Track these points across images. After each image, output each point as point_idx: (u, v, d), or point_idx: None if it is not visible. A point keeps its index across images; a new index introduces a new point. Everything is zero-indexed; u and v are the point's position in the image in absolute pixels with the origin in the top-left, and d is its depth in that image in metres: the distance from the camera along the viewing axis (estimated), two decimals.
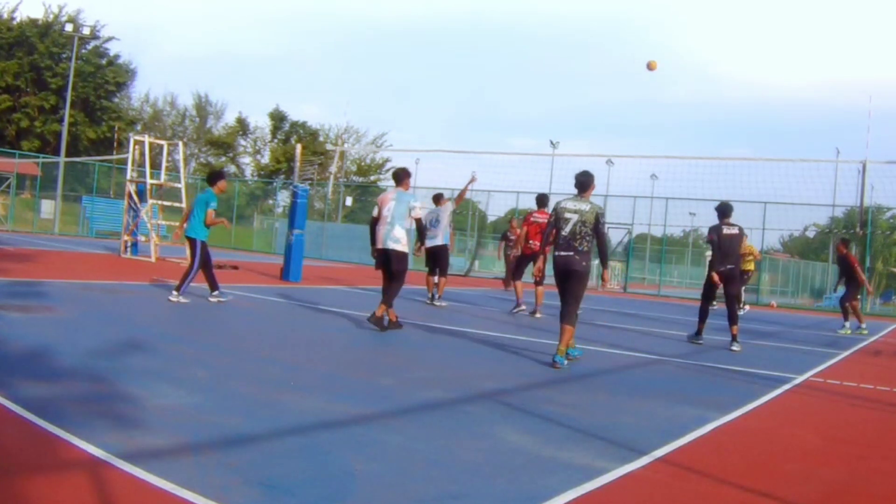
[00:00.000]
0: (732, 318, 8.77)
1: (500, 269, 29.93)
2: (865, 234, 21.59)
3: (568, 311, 6.35)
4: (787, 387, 6.38)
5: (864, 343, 11.24)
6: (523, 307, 11.36)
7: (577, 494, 3.09)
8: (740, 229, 9.13)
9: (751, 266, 15.46)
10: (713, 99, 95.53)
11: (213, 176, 9.63)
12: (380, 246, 7.82)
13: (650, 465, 3.64)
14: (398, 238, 7.76)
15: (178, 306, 8.50)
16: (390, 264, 7.84)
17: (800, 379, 6.85)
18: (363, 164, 47.39)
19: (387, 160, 46.81)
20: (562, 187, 24.15)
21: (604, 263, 6.65)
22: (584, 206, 6.47)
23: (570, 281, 6.41)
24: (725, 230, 8.95)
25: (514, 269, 11.96)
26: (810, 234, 31.26)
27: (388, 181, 46.73)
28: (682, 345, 9.10)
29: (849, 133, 75.18)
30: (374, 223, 7.96)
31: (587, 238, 6.41)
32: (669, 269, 30.33)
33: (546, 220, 10.68)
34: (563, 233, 6.42)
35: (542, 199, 11.38)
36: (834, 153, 29.37)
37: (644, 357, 7.70)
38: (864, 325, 12.89)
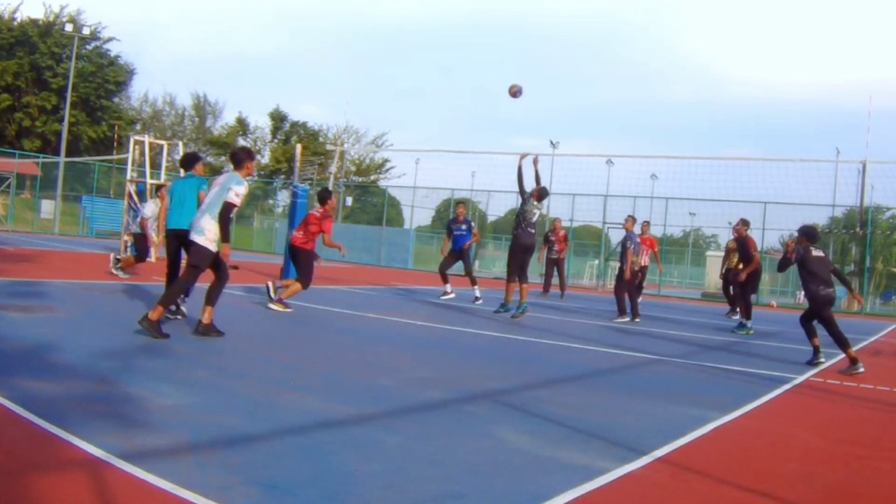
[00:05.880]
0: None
1: (500, 268, 29.96)
2: (865, 234, 21.59)
3: None
4: (787, 387, 6.38)
5: (864, 343, 11.23)
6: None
7: (577, 494, 3.09)
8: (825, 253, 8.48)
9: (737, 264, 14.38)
10: (713, 99, 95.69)
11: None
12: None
13: (650, 465, 3.64)
14: (203, 229, 6.35)
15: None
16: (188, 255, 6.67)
17: (800, 379, 6.85)
18: (363, 164, 47.34)
19: (386, 160, 46.78)
20: (562, 187, 24.15)
21: None
22: None
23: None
24: (814, 252, 8.21)
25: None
26: None
27: (387, 181, 46.73)
28: (682, 345, 9.10)
29: (849, 133, 75.36)
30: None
31: None
32: (669, 269, 30.33)
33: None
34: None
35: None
36: (834, 153, 29.38)
37: (644, 357, 7.69)
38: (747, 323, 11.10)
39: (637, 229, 12.93)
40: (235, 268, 16.34)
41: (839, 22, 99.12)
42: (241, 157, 6.68)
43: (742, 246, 11.46)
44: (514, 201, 24.74)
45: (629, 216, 12.92)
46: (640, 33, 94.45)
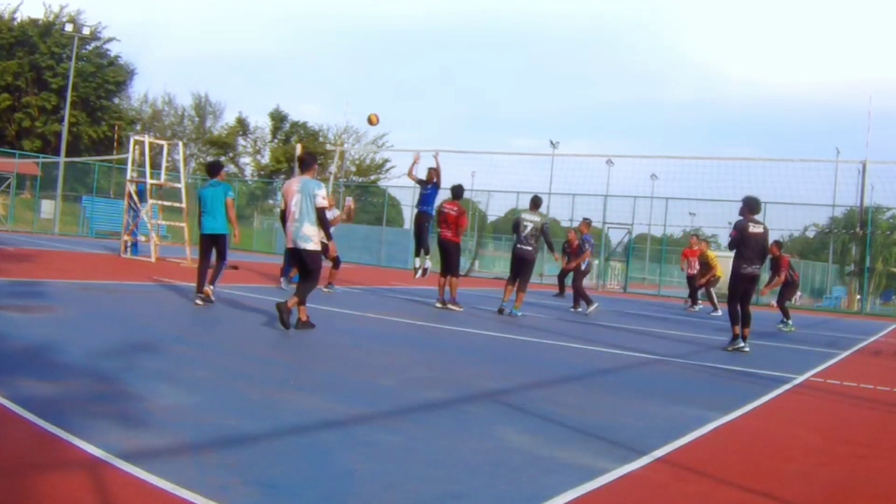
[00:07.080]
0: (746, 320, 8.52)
1: (501, 268, 29.96)
2: (865, 234, 21.59)
3: None
4: (787, 387, 6.38)
5: (864, 343, 11.24)
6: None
7: (577, 494, 3.09)
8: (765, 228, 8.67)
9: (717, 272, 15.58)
10: (713, 99, 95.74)
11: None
12: (289, 245, 7.43)
13: (650, 465, 3.64)
14: (308, 236, 7.26)
15: (178, 306, 8.49)
16: (303, 264, 7.50)
17: (800, 379, 6.85)
18: (363, 164, 47.31)
19: (387, 160, 46.76)
20: (562, 187, 24.18)
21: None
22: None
23: None
24: (752, 228, 8.36)
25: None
26: (810, 234, 31.23)
27: (387, 181, 46.70)
28: (682, 345, 9.10)
29: (849, 133, 75.45)
30: (283, 217, 7.53)
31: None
32: (669, 269, 30.31)
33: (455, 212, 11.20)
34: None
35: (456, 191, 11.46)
36: (834, 153, 29.42)
37: (644, 357, 7.69)
38: (790, 322, 12.49)
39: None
40: (235, 268, 16.33)
41: (839, 22, 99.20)
42: (309, 162, 7.61)
43: (775, 263, 12.62)
44: (513, 201, 24.82)
45: (585, 219, 14.11)
46: (640, 33, 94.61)
